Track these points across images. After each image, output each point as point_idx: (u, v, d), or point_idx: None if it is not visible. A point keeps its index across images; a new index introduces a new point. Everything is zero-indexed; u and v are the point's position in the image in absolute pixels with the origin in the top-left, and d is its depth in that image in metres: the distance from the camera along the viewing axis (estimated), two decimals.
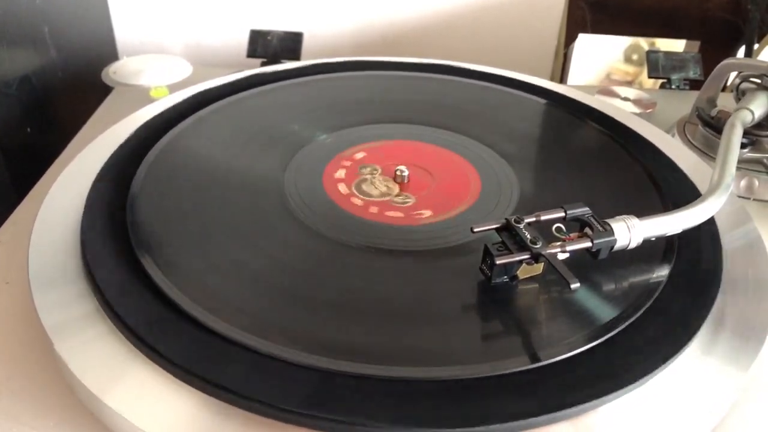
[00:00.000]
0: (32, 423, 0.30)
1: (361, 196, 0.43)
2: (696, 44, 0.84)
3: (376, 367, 0.30)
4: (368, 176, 0.44)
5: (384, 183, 0.44)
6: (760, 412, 0.32)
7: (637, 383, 0.30)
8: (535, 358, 0.31)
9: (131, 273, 0.35)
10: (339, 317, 0.34)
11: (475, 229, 0.35)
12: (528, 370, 0.31)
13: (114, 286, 0.34)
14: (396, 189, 0.44)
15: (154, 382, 0.30)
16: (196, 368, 0.29)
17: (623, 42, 0.86)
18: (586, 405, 0.29)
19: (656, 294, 0.35)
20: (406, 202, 0.43)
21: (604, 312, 0.34)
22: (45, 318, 0.33)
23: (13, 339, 0.35)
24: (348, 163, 0.47)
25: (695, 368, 0.32)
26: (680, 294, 0.35)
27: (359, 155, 0.48)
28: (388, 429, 0.28)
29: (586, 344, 0.32)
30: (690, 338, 0.33)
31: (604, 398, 0.29)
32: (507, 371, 0.30)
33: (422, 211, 0.43)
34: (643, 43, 0.85)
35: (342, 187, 0.44)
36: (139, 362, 0.30)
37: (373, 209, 0.42)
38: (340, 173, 0.46)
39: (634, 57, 0.86)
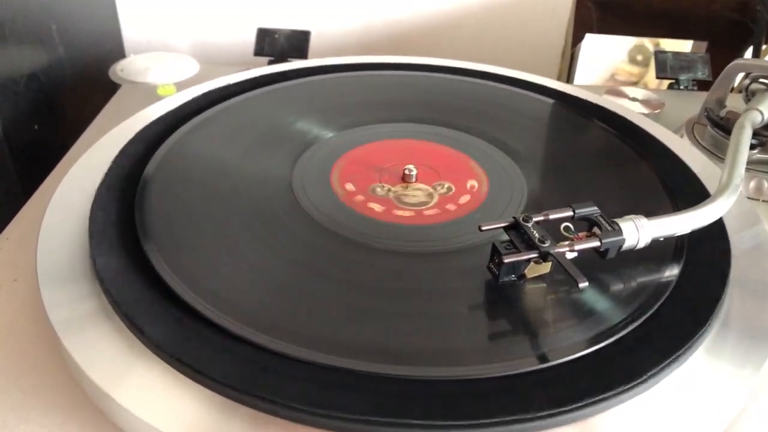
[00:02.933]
0: (40, 420, 0.30)
1: (422, 208, 0.43)
2: (703, 45, 0.83)
3: (381, 366, 0.30)
4: (392, 194, 0.44)
5: (411, 189, 0.44)
6: None
7: (645, 385, 0.30)
8: (540, 359, 0.31)
9: (139, 270, 0.35)
10: (345, 315, 0.34)
11: (483, 228, 0.35)
12: (533, 371, 0.30)
13: (122, 283, 0.34)
14: (425, 186, 0.45)
15: (162, 379, 0.30)
16: (203, 365, 0.29)
17: (629, 42, 0.86)
18: (593, 407, 0.29)
19: (665, 295, 0.35)
20: (449, 188, 0.44)
21: (612, 313, 0.34)
22: (53, 315, 0.33)
23: (21, 336, 0.35)
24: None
25: (704, 370, 0.32)
26: (689, 296, 0.35)
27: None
28: (392, 427, 0.28)
29: (593, 345, 0.32)
30: (698, 340, 0.32)
31: (611, 400, 0.29)
32: (512, 372, 0.30)
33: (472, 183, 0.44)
34: (648, 44, 0.85)
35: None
36: (146, 359, 0.30)
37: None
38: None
39: (639, 58, 0.86)
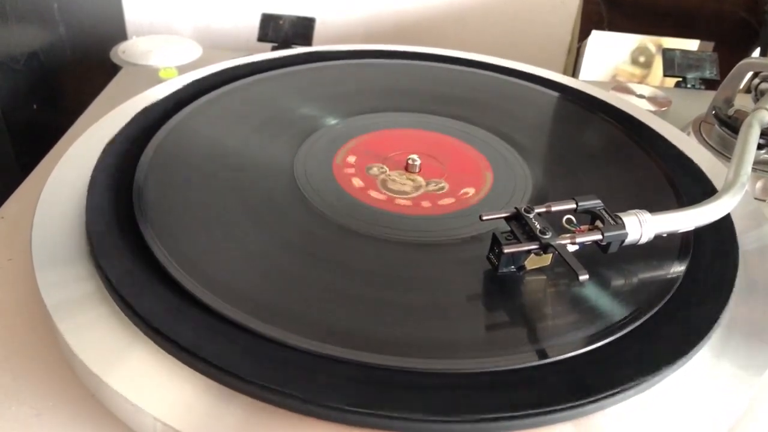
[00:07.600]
0: (31, 402, 0.30)
1: (397, 196, 0.42)
2: (710, 45, 0.83)
3: (377, 356, 0.30)
4: (383, 176, 0.43)
5: (406, 177, 0.43)
6: None
7: (646, 384, 0.29)
8: (538, 355, 0.31)
9: (136, 254, 0.34)
10: (342, 304, 0.33)
11: (484, 217, 0.35)
12: (530, 367, 0.30)
13: (118, 266, 0.33)
14: (421, 179, 0.44)
15: (156, 364, 0.29)
16: (198, 351, 0.29)
17: (633, 42, 0.85)
18: (590, 406, 0.28)
19: (669, 295, 0.34)
20: (442, 188, 0.43)
21: (614, 310, 0.33)
22: (47, 296, 0.32)
23: (13, 316, 0.34)
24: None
25: (707, 372, 0.31)
26: (693, 295, 0.35)
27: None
28: (387, 419, 0.27)
29: (593, 343, 0.31)
30: (702, 341, 0.32)
31: (609, 400, 0.29)
32: (508, 367, 0.30)
33: (467, 189, 0.43)
34: (651, 45, 0.84)
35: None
36: (141, 343, 0.30)
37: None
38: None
39: (641, 59, 0.85)
